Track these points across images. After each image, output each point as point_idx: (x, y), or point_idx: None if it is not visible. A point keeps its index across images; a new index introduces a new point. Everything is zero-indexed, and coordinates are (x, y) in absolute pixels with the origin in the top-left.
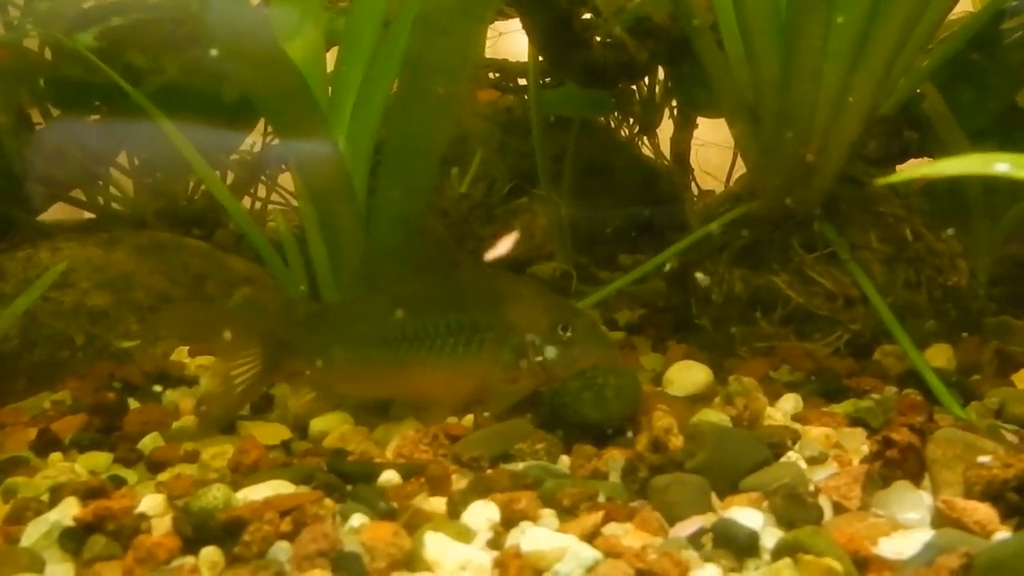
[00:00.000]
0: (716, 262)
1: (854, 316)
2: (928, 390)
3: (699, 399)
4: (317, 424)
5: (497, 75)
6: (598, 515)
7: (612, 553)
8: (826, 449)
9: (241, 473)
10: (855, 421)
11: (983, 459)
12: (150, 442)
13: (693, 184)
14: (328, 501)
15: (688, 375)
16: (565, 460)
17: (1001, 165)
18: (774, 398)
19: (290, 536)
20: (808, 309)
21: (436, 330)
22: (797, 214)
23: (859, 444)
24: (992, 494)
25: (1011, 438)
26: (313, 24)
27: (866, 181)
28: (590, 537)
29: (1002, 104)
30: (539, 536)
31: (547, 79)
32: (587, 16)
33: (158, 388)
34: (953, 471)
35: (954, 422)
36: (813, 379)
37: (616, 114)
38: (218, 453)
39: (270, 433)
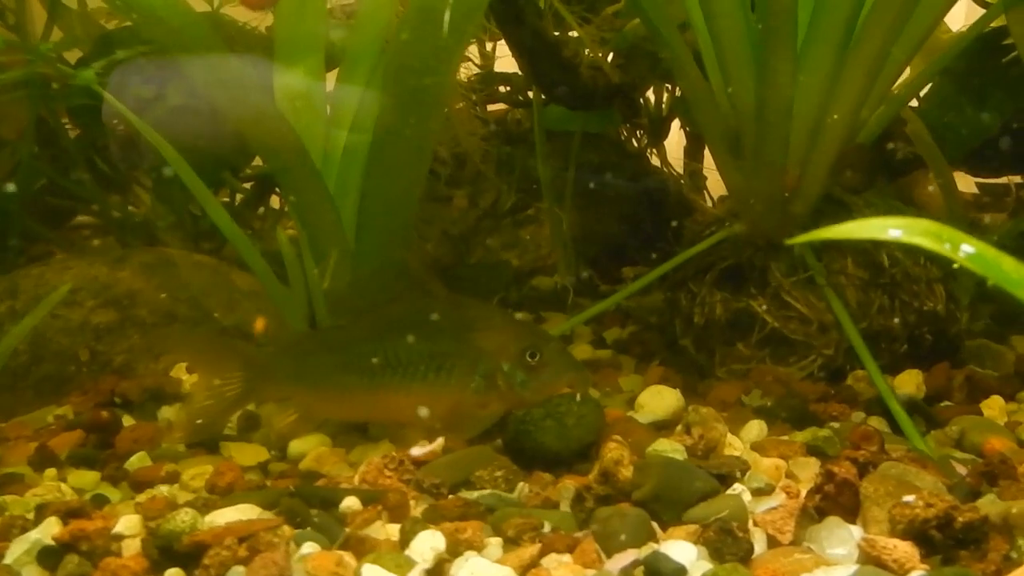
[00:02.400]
0: (700, 284)
1: (828, 341)
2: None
3: (664, 426)
4: (296, 446)
5: (507, 88)
6: (536, 547)
7: None
8: (774, 480)
9: (217, 494)
10: (812, 450)
11: (907, 498)
12: (137, 461)
13: (707, 196)
14: (286, 528)
15: (659, 400)
16: (524, 487)
17: (894, 231)
18: (741, 424)
19: (246, 561)
20: (783, 333)
21: (409, 357)
22: (778, 238)
23: (812, 475)
24: (914, 533)
25: (961, 470)
26: (314, 51)
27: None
28: (526, 568)
29: (1003, 120)
30: (477, 567)
31: None
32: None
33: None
34: (882, 508)
35: (906, 452)
36: (781, 405)
37: (627, 126)
38: (197, 474)
39: (250, 454)
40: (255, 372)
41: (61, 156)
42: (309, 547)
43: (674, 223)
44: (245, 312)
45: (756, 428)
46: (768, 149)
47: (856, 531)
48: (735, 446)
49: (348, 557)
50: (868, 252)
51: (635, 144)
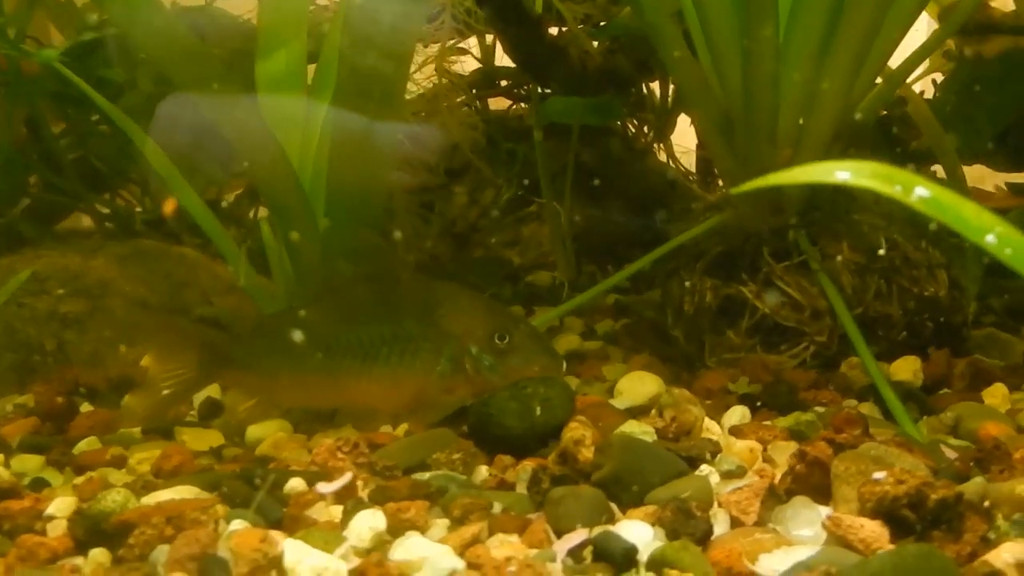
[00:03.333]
0: (691, 272)
1: (821, 327)
2: (899, 409)
3: (641, 411)
4: (254, 431)
5: (507, 83)
6: (479, 526)
7: (474, 564)
8: (747, 463)
9: (162, 478)
10: (793, 435)
11: (877, 475)
12: (85, 445)
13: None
14: (219, 508)
15: (638, 387)
16: (483, 471)
17: (842, 173)
18: (724, 411)
19: (172, 540)
20: (775, 320)
21: (371, 340)
22: (772, 223)
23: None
24: (883, 511)
25: (951, 454)
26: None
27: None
28: (466, 547)
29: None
30: (415, 545)
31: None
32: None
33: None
34: (852, 487)
35: (892, 437)
36: (768, 392)
37: (634, 120)
38: (145, 458)
39: (206, 439)
40: (211, 356)
41: (50, 151)
42: (237, 524)
43: (669, 213)
44: (224, 304)
45: (739, 413)
46: (757, 128)
47: (825, 511)
48: (712, 431)
49: (276, 535)
50: (865, 236)
51: (641, 139)
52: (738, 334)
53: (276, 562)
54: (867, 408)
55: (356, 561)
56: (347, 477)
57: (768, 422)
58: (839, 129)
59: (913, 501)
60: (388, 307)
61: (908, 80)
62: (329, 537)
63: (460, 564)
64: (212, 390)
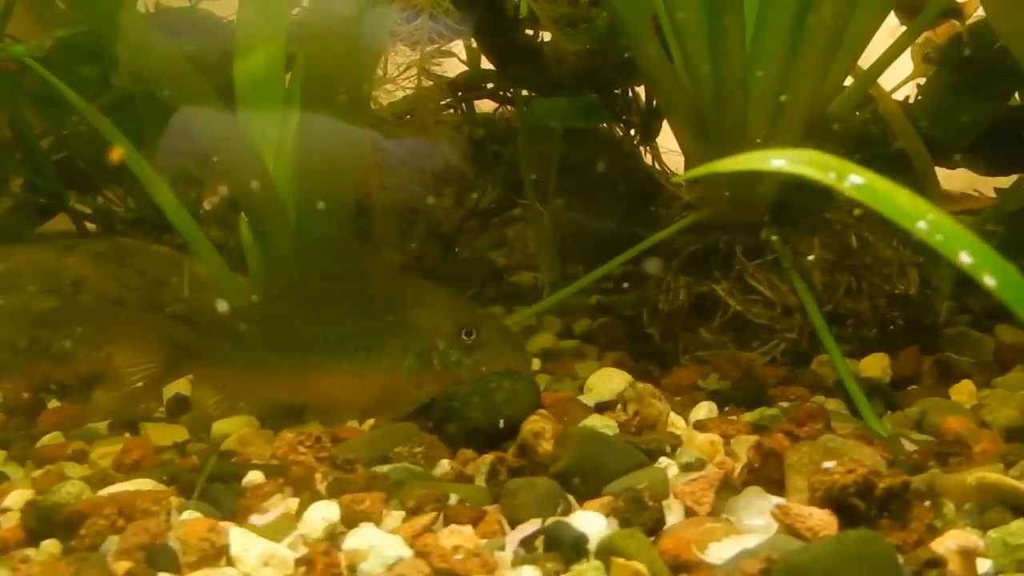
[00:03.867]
0: (666, 271)
1: (791, 324)
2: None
3: (608, 407)
4: (219, 427)
5: (493, 85)
6: (430, 516)
7: (422, 553)
8: (707, 456)
9: (123, 472)
10: (757, 429)
11: (827, 464)
12: (48, 440)
13: None
14: (173, 499)
15: (607, 383)
16: (445, 464)
17: (777, 161)
18: (693, 406)
19: (123, 531)
20: (746, 317)
21: (337, 335)
22: (744, 221)
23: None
24: (832, 500)
25: (911, 447)
26: (274, 40)
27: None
28: (416, 537)
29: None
30: (366, 536)
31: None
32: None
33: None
34: (804, 477)
35: (853, 431)
36: (737, 388)
37: (621, 123)
38: (107, 452)
39: (170, 434)
40: (176, 350)
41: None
42: (189, 515)
43: (654, 215)
44: (199, 301)
45: (705, 409)
46: (728, 127)
47: (777, 501)
48: (678, 425)
49: (225, 524)
50: (837, 234)
51: (628, 142)
52: (711, 331)
53: (224, 551)
54: (834, 404)
55: (305, 550)
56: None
57: (733, 417)
58: (812, 127)
59: (861, 490)
60: (355, 302)
61: (894, 85)
62: (278, 526)
63: (407, 552)
64: (182, 387)
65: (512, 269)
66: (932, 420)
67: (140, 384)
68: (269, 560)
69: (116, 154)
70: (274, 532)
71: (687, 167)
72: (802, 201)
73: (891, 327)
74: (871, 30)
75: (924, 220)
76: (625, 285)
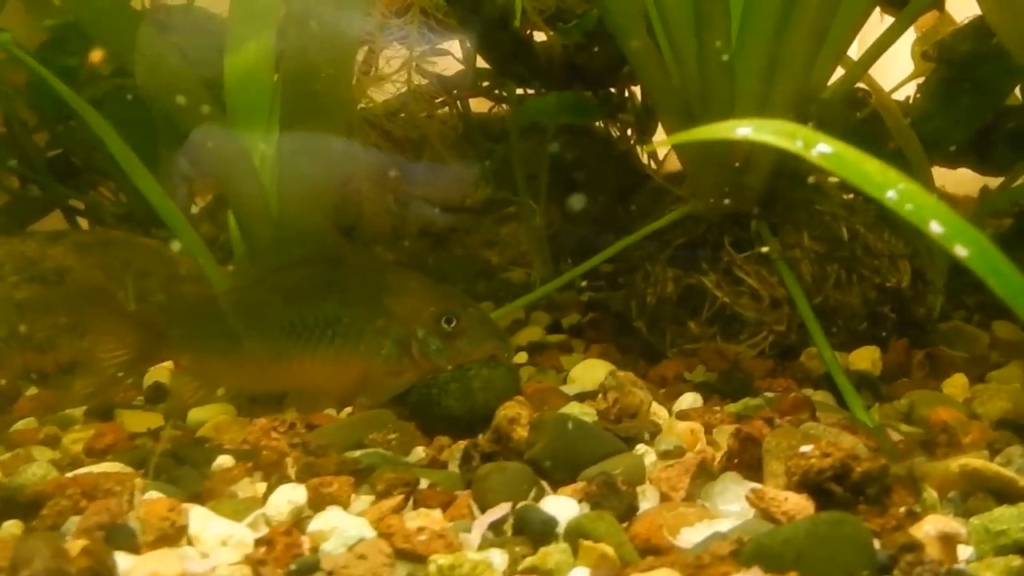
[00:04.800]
0: (654, 263)
1: (779, 317)
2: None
3: (589, 396)
4: (196, 414)
5: (487, 84)
6: (397, 499)
7: (385, 534)
8: (687, 444)
9: (93, 457)
10: (740, 419)
11: (804, 449)
12: (22, 426)
13: None
14: (138, 481)
15: (590, 374)
16: (420, 451)
17: (743, 129)
18: (677, 397)
19: (85, 511)
20: (734, 310)
21: (315, 322)
22: (734, 213)
23: None
24: (809, 484)
25: (897, 437)
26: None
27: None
28: (381, 519)
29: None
30: (332, 518)
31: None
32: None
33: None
34: (782, 462)
35: (838, 420)
36: (723, 380)
37: (617, 121)
38: (79, 438)
39: (145, 421)
40: (149, 337)
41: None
42: (152, 495)
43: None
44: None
45: (690, 399)
46: (714, 117)
47: (753, 487)
48: (660, 415)
49: (186, 505)
50: (826, 225)
51: (623, 140)
52: (698, 324)
53: (184, 531)
54: (822, 396)
55: (266, 530)
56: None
57: (717, 408)
58: (800, 118)
59: (838, 473)
60: (333, 289)
61: (895, 84)
62: (239, 507)
63: (371, 533)
64: (162, 375)
65: (505, 267)
66: (921, 412)
67: (115, 371)
68: (227, 540)
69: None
70: (235, 512)
71: (679, 160)
72: (792, 192)
73: (882, 320)
74: (858, 22)
75: (894, 189)
76: (621, 280)
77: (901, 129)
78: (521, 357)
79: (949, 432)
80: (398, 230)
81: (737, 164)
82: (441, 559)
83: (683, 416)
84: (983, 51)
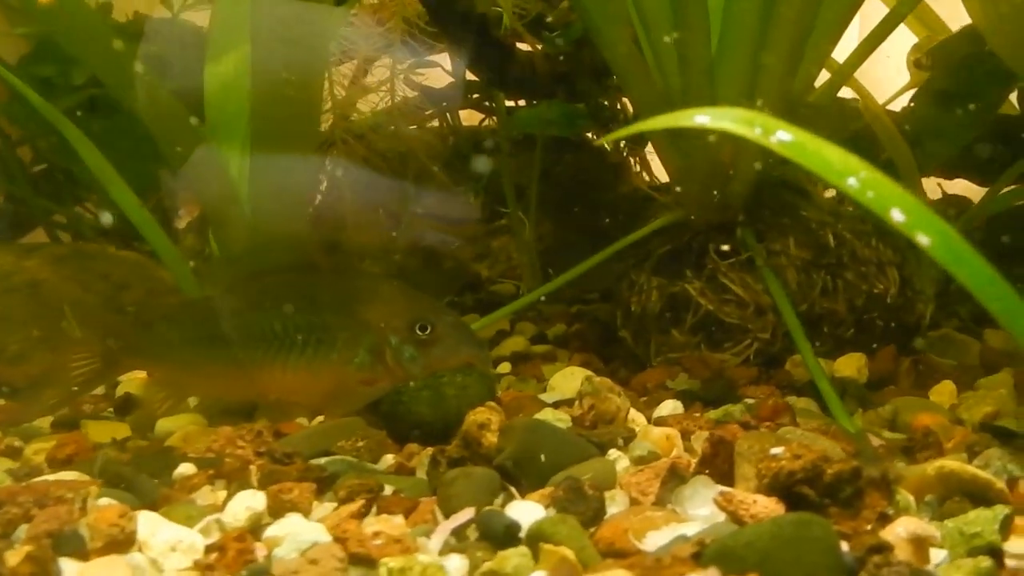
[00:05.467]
0: (639, 272)
1: (764, 324)
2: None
3: (567, 404)
4: (164, 424)
5: (476, 96)
6: (356, 505)
7: (340, 538)
8: (663, 450)
9: (54, 467)
10: (718, 424)
11: (774, 451)
12: None
13: None
14: (93, 488)
15: (568, 382)
16: (390, 458)
17: (701, 117)
18: (657, 404)
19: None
20: (719, 317)
21: (286, 330)
22: (719, 220)
23: None
24: (779, 486)
25: (877, 442)
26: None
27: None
28: (339, 525)
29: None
30: (288, 524)
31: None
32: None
33: None
34: (753, 465)
35: (818, 426)
36: (706, 388)
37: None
38: (42, 448)
39: (111, 431)
40: (116, 345)
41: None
42: (104, 502)
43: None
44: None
45: (670, 406)
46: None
47: (723, 490)
48: (638, 421)
49: (138, 512)
50: (812, 232)
51: (615, 152)
52: (682, 332)
53: (134, 537)
54: (805, 403)
55: (218, 536)
56: None
57: (697, 414)
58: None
59: (809, 476)
60: (304, 296)
61: (889, 96)
62: (192, 513)
63: (326, 538)
64: (131, 386)
65: (495, 280)
66: (905, 418)
67: (81, 380)
68: (177, 545)
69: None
70: (187, 518)
71: (661, 160)
72: (778, 199)
73: (870, 327)
74: (842, 24)
75: (855, 177)
76: (607, 290)
77: (893, 140)
78: (504, 367)
79: (931, 437)
80: (387, 244)
81: (722, 170)
82: (392, 562)
83: (660, 423)
84: (976, 58)
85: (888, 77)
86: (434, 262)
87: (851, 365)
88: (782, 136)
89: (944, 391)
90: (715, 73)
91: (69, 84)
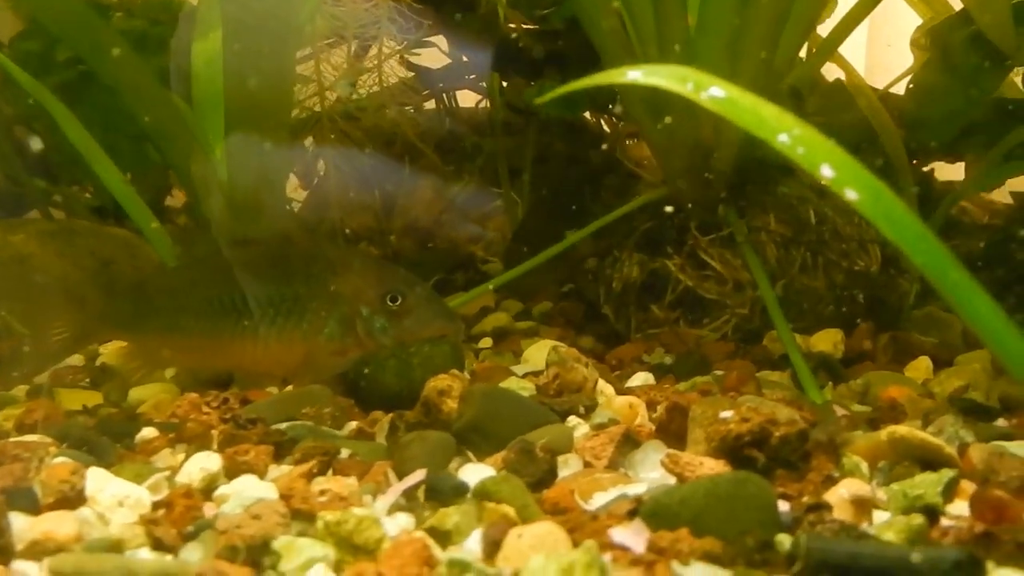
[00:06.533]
0: (622, 249)
1: (742, 300)
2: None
3: (536, 374)
4: (136, 393)
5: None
6: (306, 466)
7: (286, 495)
8: (625, 418)
9: (23, 432)
10: (681, 394)
11: (724, 414)
12: None
13: None
14: (52, 449)
15: (542, 354)
16: (353, 425)
17: (633, 73)
18: (629, 377)
19: None
20: (698, 293)
21: (256, 300)
22: (702, 197)
23: None
24: (727, 449)
25: (841, 412)
26: None
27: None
28: (289, 485)
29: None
30: (239, 484)
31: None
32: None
33: None
34: (704, 429)
35: (783, 396)
36: (680, 362)
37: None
38: (12, 415)
39: (84, 400)
40: (88, 315)
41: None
42: (58, 461)
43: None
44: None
45: (641, 378)
46: (676, 99)
47: (670, 452)
48: (606, 392)
49: (89, 469)
50: (793, 208)
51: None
52: (662, 308)
53: (84, 493)
54: (778, 376)
55: (167, 492)
56: None
57: (666, 385)
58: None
59: (757, 438)
60: (275, 268)
61: (890, 80)
62: (141, 470)
63: (272, 495)
64: (111, 357)
65: (486, 259)
66: (876, 392)
67: (53, 349)
68: (124, 500)
69: None
70: (136, 476)
71: (644, 138)
72: (760, 175)
73: (850, 304)
74: (822, 2)
75: (787, 133)
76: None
77: (884, 126)
78: (486, 342)
79: (898, 409)
80: (384, 225)
81: (705, 148)
82: (329, 516)
83: (626, 393)
84: (973, 39)
85: (903, 64)
86: (429, 243)
87: (827, 340)
88: (714, 92)
89: (920, 367)
90: (694, 49)
91: (55, 61)
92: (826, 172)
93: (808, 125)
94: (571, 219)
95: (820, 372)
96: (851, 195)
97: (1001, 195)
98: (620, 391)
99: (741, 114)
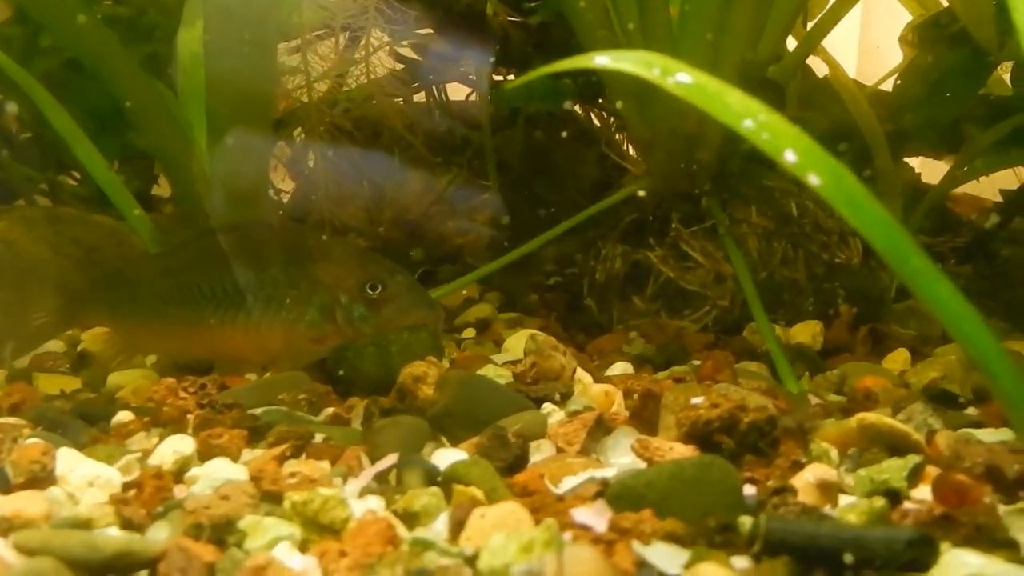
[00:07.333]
0: (606, 241)
1: (723, 292)
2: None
3: (515, 362)
4: (115, 378)
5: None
6: (278, 450)
7: (256, 477)
8: (600, 405)
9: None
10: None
11: (694, 400)
12: None
13: None
14: (26, 431)
15: (522, 343)
16: (330, 411)
17: (601, 59)
18: (609, 366)
19: None
20: (679, 285)
21: (235, 287)
22: (686, 189)
23: None
24: (697, 435)
25: (816, 401)
26: None
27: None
28: (260, 467)
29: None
30: (211, 466)
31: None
32: None
33: None
34: (675, 415)
35: (758, 385)
36: (659, 352)
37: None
38: None
39: (62, 384)
40: (69, 300)
41: None
42: (30, 442)
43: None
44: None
45: (620, 368)
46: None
47: (640, 438)
48: (584, 380)
49: (61, 450)
50: (775, 201)
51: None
52: (643, 300)
53: (55, 474)
54: (756, 367)
55: (138, 473)
56: None
57: (646, 375)
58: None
59: (726, 424)
60: (256, 255)
61: (879, 77)
62: (113, 452)
63: (242, 476)
64: (89, 343)
65: (474, 252)
66: (851, 383)
67: (31, 333)
68: (94, 481)
69: None
70: (107, 457)
71: (629, 131)
72: (743, 168)
73: (830, 296)
74: None
75: (752, 119)
76: (576, 258)
77: (868, 122)
78: (469, 332)
79: (872, 399)
80: (373, 218)
81: (688, 140)
82: (296, 496)
83: (603, 381)
84: (959, 35)
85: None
86: (418, 236)
87: (806, 332)
88: (681, 78)
89: (898, 358)
90: (677, 41)
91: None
92: (790, 157)
93: (774, 112)
94: (554, 214)
95: (798, 363)
96: (814, 180)
97: (991, 192)
98: (598, 380)
99: (707, 100)
